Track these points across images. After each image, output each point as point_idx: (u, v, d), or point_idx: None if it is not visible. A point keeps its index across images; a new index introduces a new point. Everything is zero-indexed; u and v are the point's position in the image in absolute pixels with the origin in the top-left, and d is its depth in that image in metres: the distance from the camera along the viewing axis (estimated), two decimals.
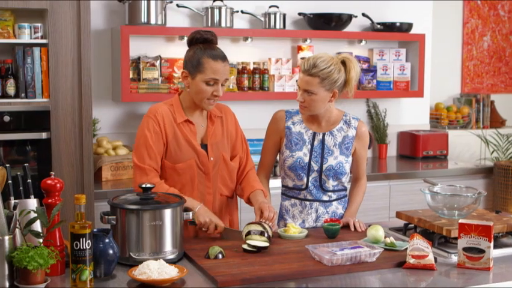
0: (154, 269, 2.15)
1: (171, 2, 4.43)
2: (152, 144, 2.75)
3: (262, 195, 2.86)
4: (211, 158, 2.83)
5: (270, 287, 2.18)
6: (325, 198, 2.99)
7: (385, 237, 2.61)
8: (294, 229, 2.76)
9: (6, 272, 2.08)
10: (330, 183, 2.97)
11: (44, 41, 3.74)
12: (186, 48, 2.86)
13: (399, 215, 2.89)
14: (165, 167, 2.80)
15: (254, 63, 4.73)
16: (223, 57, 2.78)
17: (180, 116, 2.81)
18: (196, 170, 2.81)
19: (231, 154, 2.93)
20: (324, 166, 2.94)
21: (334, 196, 3.01)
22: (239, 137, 2.97)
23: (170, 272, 2.17)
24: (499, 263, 2.46)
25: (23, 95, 3.72)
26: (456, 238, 2.50)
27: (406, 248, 2.47)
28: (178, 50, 4.51)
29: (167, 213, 2.38)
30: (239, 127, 2.99)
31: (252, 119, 4.76)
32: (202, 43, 2.80)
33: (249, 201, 2.90)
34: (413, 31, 5.19)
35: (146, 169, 2.74)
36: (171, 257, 2.39)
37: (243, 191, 2.93)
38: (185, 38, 3.92)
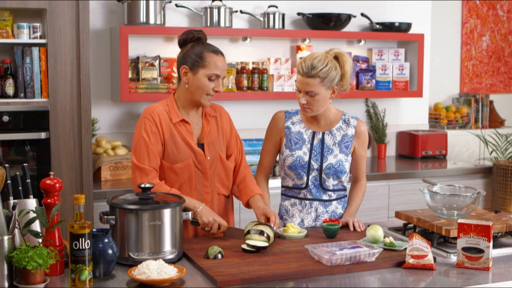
0: (153, 269, 2.15)
1: (170, 2, 4.42)
2: (151, 145, 2.75)
3: (261, 200, 2.88)
4: (208, 157, 2.84)
5: (270, 287, 2.18)
6: (325, 197, 2.99)
7: (384, 237, 2.62)
8: (294, 229, 2.76)
9: (6, 272, 2.08)
10: (330, 182, 2.97)
11: (43, 40, 3.73)
12: None
13: (398, 214, 2.89)
14: (163, 168, 2.80)
15: (253, 63, 4.73)
16: (222, 53, 2.83)
17: (176, 116, 2.81)
18: (193, 169, 2.81)
19: (226, 153, 2.94)
20: (324, 164, 2.94)
21: (334, 196, 3.01)
22: (234, 136, 2.98)
23: (170, 272, 2.17)
24: (498, 262, 2.46)
25: (22, 95, 3.72)
26: (455, 238, 2.50)
27: (405, 248, 2.47)
28: (177, 50, 4.47)
29: (167, 213, 2.38)
30: (233, 126, 3.00)
31: (251, 118, 4.77)
32: (195, 42, 2.82)
33: (248, 206, 2.92)
34: (412, 31, 5.19)
35: (147, 169, 2.73)
36: (170, 257, 2.39)
37: (241, 194, 2.94)
38: None
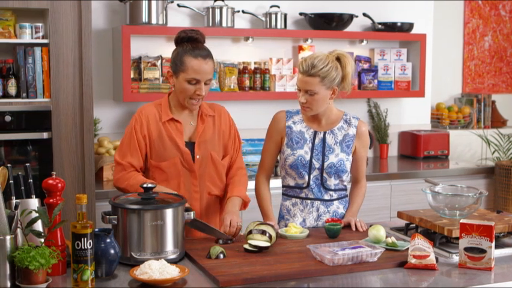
0: (155, 268, 2.15)
1: (172, 2, 4.43)
2: (135, 142, 2.82)
3: (234, 203, 2.84)
4: (198, 156, 2.85)
5: (272, 287, 2.18)
6: (326, 197, 2.99)
7: (386, 237, 2.61)
8: (295, 229, 2.76)
9: (8, 272, 2.09)
10: (332, 181, 2.97)
11: (45, 40, 3.74)
12: None
13: (400, 215, 2.89)
14: (151, 166, 2.84)
15: (255, 63, 4.73)
16: (205, 56, 2.77)
17: (166, 115, 2.84)
18: (180, 168, 2.83)
19: (222, 153, 2.94)
20: (326, 164, 2.95)
21: (335, 195, 3.01)
22: (232, 136, 2.97)
23: (172, 271, 2.17)
24: (500, 263, 2.46)
25: (24, 94, 3.72)
26: (457, 238, 2.50)
27: (407, 248, 2.47)
28: None
29: (169, 213, 2.38)
30: (233, 127, 3.00)
31: (253, 119, 4.76)
32: (188, 42, 2.80)
33: None
34: (414, 31, 5.19)
35: (124, 165, 2.81)
36: (172, 256, 2.39)
37: (227, 195, 2.92)
38: None
